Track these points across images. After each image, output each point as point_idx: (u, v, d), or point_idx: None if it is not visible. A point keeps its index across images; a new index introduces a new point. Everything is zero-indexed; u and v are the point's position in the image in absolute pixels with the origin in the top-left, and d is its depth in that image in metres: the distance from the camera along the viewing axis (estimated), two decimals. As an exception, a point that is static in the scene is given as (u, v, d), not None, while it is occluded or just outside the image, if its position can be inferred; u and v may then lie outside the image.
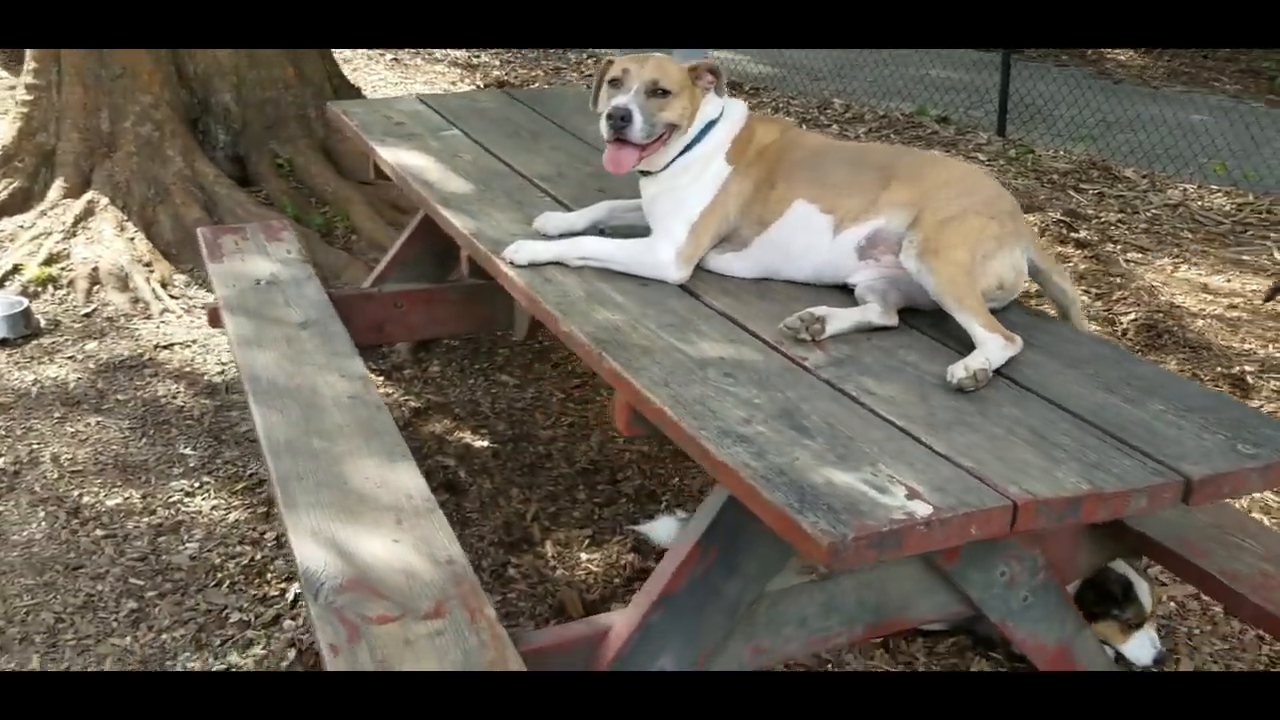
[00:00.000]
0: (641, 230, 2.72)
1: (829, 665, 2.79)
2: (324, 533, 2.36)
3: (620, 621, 2.20)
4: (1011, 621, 2.52)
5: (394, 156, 3.40)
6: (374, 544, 2.32)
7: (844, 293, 2.47)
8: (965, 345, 2.22)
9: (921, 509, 1.60)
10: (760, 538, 2.20)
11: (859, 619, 2.44)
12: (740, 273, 2.55)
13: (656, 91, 2.42)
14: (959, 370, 2.02)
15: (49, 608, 2.85)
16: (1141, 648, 2.61)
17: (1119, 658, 2.65)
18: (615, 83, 2.49)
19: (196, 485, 3.38)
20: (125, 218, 4.89)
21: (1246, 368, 4.45)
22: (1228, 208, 6.60)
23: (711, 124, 2.51)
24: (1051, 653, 2.58)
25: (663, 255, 2.49)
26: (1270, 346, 4.76)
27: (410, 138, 3.61)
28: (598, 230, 2.76)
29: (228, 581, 2.98)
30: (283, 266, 3.67)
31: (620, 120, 2.39)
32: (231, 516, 3.24)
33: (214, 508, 3.28)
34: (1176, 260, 5.78)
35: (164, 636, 2.78)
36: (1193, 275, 5.57)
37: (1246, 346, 4.76)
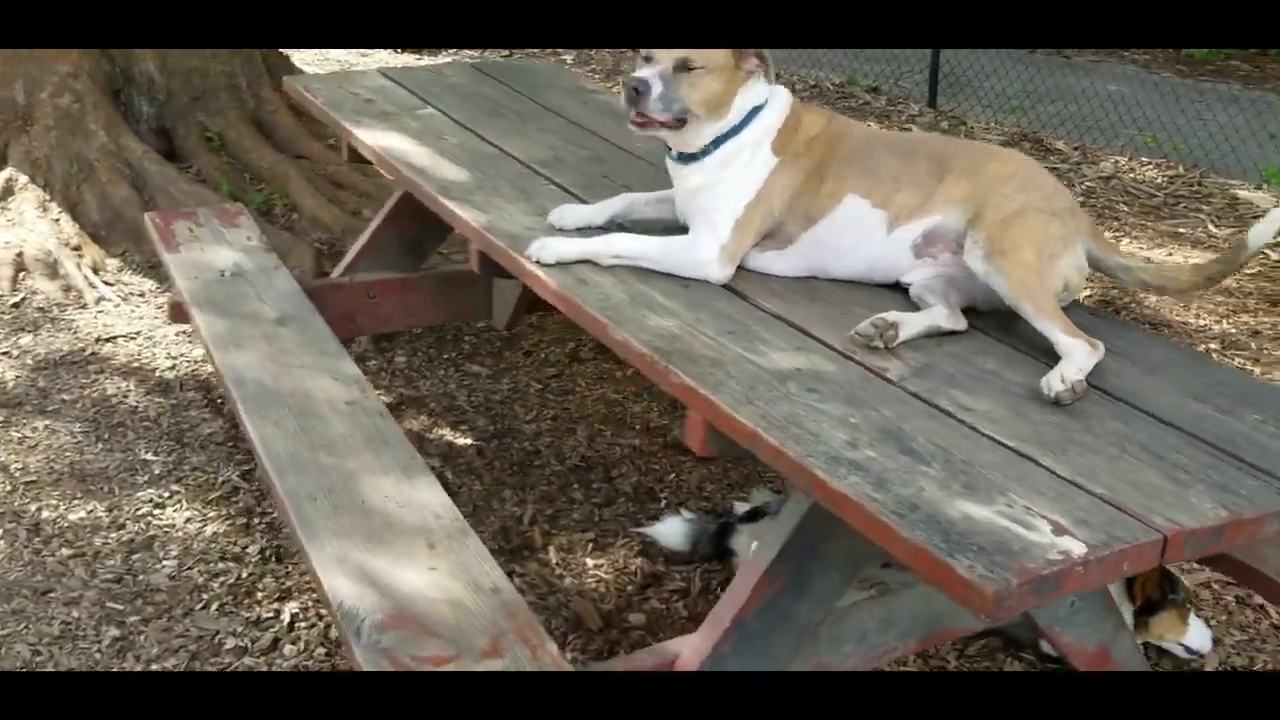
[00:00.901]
0: (664, 225, 2.58)
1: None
2: (351, 561, 2.17)
3: (688, 650, 2.07)
4: (1058, 626, 2.45)
5: (374, 139, 3.18)
6: (409, 573, 2.15)
7: (895, 292, 2.36)
8: (1038, 349, 2.13)
9: (1075, 547, 1.50)
10: (831, 560, 2.09)
11: (913, 632, 2.36)
12: (782, 271, 2.41)
13: (686, 67, 2.27)
14: (1055, 383, 1.92)
15: (22, 639, 2.60)
16: (1202, 634, 2.60)
17: (1184, 650, 2.63)
18: (649, 59, 2.33)
19: (166, 495, 3.14)
20: (47, 197, 4.53)
21: (1211, 345, 4.49)
22: (1159, 180, 6.68)
23: (756, 110, 2.36)
24: (1092, 654, 2.53)
25: (706, 253, 2.35)
26: (1224, 322, 4.82)
27: (385, 117, 3.38)
28: (616, 225, 2.60)
29: (215, 603, 2.76)
30: (245, 255, 3.42)
31: (634, 91, 2.24)
32: (209, 530, 3.01)
33: (188, 520, 3.04)
34: (1116, 234, 5.82)
35: (154, 667, 2.56)
36: (1134, 249, 5.61)
37: (1202, 322, 4.80)
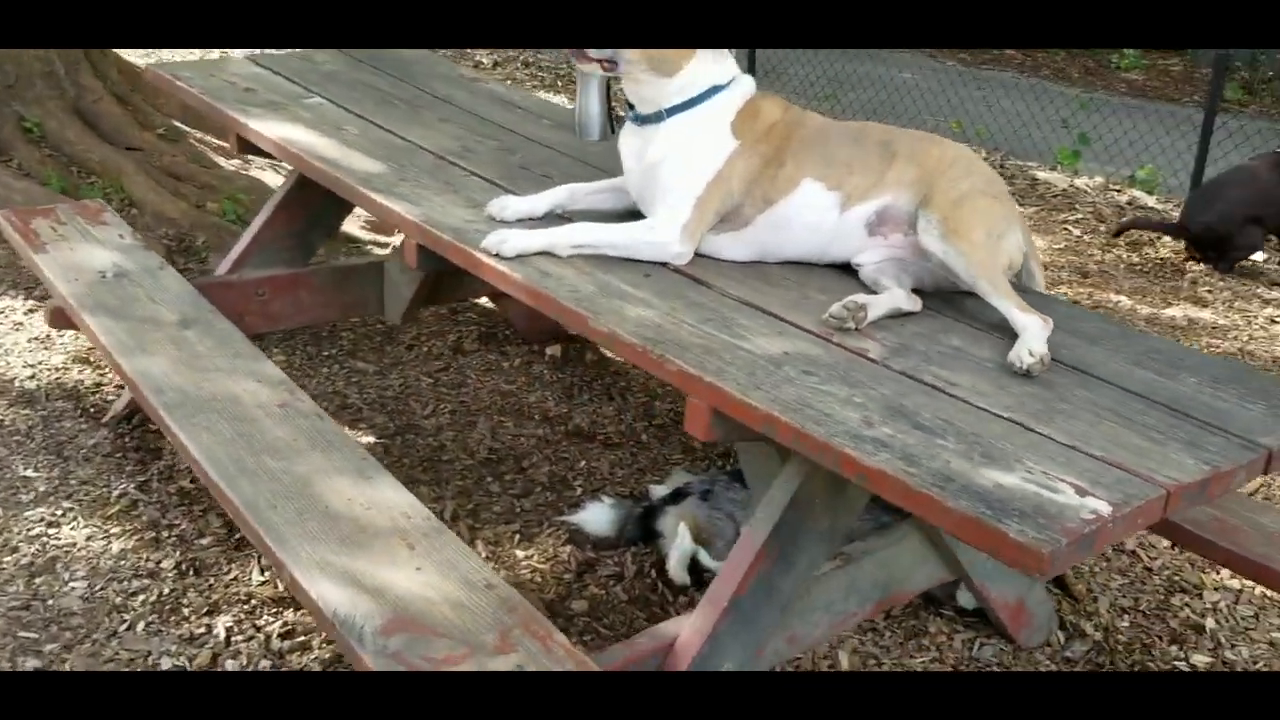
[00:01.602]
0: (605, 215, 2.60)
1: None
2: (333, 566, 2.12)
3: (687, 631, 2.12)
4: (989, 582, 2.64)
5: (270, 130, 3.05)
6: (396, 575, 2.11)
7: (843, 274, 2.46)
8: (989, 325, 2.27)
9: (1101, 506, 1.63)
10: (815, 534, 2.18)
11: (870, 597, 2.48)
12: (733, 256, 2.48)
13: None
14: (1025, 356, 2.06)
15: (-67, 679, 2.40)
16: None
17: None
18: None
19: (58, 513, 2.94)
20: None
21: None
22: (966, 162, 7.10)
23: (717, 89, 2.41)
24: (1013, 607, 2.73)
25: (667, 234, 2.38)
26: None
27: (273, 106, 3.25)
28: (555, 216, 2.60)
29: (140, 623, 2.61)
30: (123, 255, 3.24)
31: None
32: (114, 546, 2.84)
33: (89, 538, 2.86)
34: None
35: (87, 696, 2.40)
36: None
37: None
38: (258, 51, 4.65)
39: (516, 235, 2.39)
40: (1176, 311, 4.99)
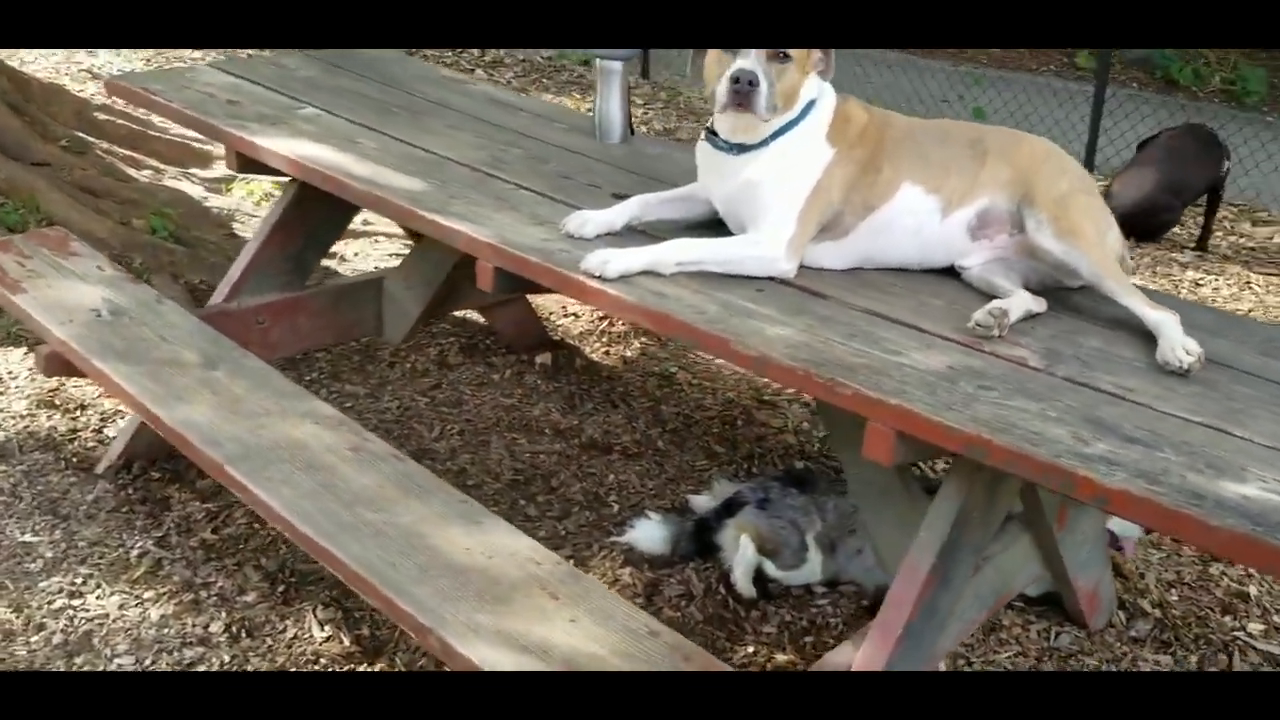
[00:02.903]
0: (680, 226, 2.49)
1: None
2: (485, 627, 1.96)
3: (860, 661, 2.03)
4: (1081, 574, 2.65)
5: (280, 147, 2.80)
6: (550, 630, 1.97)
7: (944, 277, 2.41)
8: (1109, 321, 2.25)
9: (1351, 512, 1.62)
10: (968, 550, 2.13)
11: (988, 603, 2.46)
12: (832, 264, 2.39)
13: (779, 56, 2.20)
14: (1182, 355, 2.03)
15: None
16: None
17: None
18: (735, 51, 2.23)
19: (77, 581, 2.66)
20: None
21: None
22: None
23: (811, 103, 2.32)
24: (1090, 594, 2.75)
25: (774, 249, 2.28)
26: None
27: (268, 120, 3.00)
28: (630, 229, 2.48)
29: (207, 698, 2.37)
30: (111, 289, 2.95)
31: (749, 85, 2.15)
32: (152, 613, 2.58)
33: (121, 606, 2.60)
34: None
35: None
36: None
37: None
38: (210, 54, 4.32)
39: (617, 255, 2.25)
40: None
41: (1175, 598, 3.01)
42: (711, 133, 2.38)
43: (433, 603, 1.99)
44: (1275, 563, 1.54)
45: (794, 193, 2.29)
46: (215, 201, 4.81)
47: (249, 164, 2.89)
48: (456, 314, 4.08)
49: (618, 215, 2.46)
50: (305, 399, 2.56)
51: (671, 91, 7.65)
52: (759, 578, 2.85)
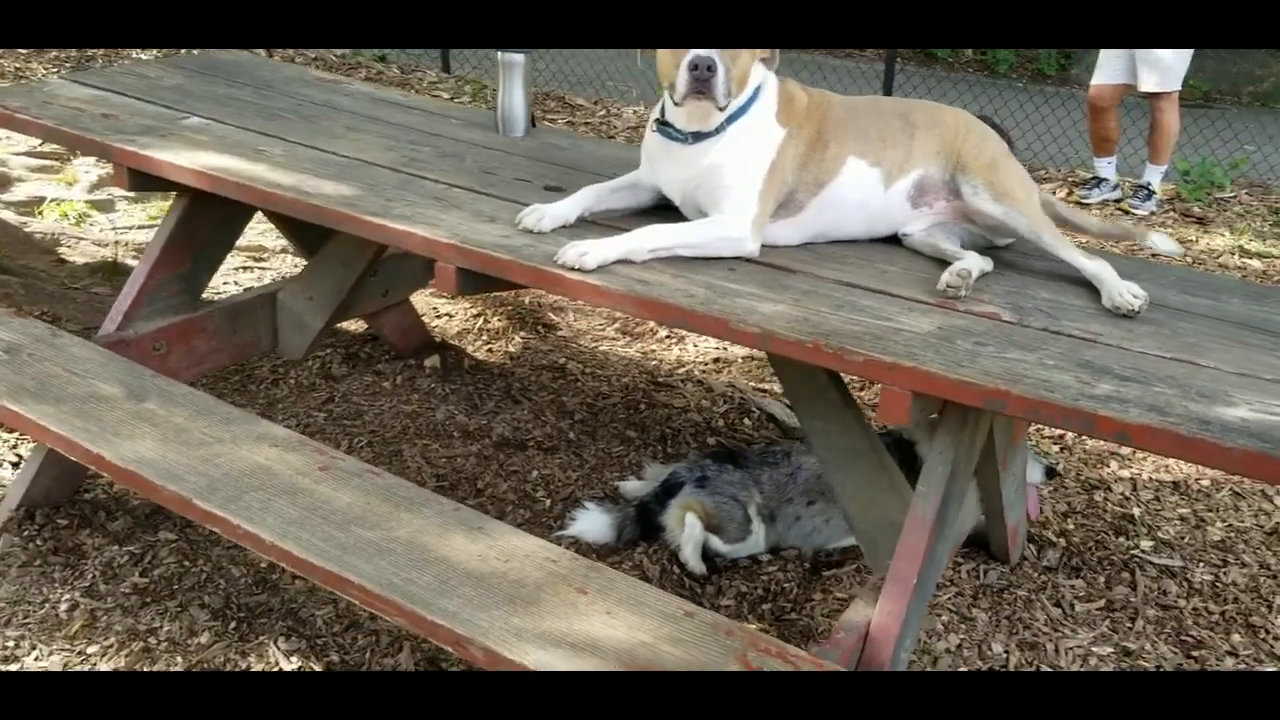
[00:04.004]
0: (630, 213, 2.52)
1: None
2: (527, 632, 1.94)
3: (880, 616, 2.12)
4: (1010, 511, 2.84)
5: (183, 160, 2.64)
6: (592, 625, 1.97)
7: (889, 245, 2.52)
8: (1045, 274, 2.42)
9: (1338, 427, 1.81)
10: (959, 496, 2.25)
11: (955, 547, 2.60)
12: (787, 240, 2.47)
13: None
14: (1130, 298, 2.21)
15: None
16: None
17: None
18: None
19: (9, 645, 2.43)
20: None
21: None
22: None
23: (758, 88, 2.38)
24: (1013, 531, 2.95)
25: (739, 229, 2.34)
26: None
27: (154, 133, 2.82)
28: (581, 219, 2.49)
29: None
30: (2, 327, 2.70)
31: (707, 70, 2.19)
32: (104, 668, 2.40)
33: (65, 665, 2.40)
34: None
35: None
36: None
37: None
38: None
39: (594, 246, 2.25)
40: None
41: (1072, 526, 3.26)
42: (663, 124, 2.41)
43: (465, 613, 1.95)
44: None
45: (753, 174, 2.36)
46: (34, 226, 4.45)
47: (143, 180, 2.70)
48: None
49: (571, 208, 2.46)
50: (253, 422, 2.44)
51: (475, 84, 7.58)
52: (704, 554, 2.91)
